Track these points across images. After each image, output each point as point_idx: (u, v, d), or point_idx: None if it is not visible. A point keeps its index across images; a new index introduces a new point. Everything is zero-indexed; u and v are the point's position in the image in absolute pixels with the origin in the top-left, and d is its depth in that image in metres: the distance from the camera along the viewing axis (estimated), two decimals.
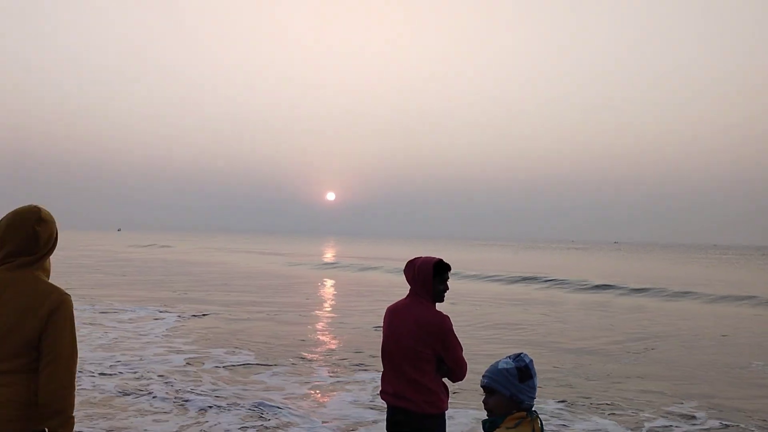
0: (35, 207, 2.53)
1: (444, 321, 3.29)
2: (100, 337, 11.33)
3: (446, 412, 3.34)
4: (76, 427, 5.70)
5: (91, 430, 6.03)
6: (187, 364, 9.27)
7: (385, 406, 3.44)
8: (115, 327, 12.74)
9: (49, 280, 2.53)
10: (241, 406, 6.98)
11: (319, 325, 14.14)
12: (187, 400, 7.15)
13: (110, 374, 8.42)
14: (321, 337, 12.37)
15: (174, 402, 7.09)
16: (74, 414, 2.39)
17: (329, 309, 17.88)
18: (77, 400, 6.89)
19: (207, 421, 6.45)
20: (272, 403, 7.11)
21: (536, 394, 2.39)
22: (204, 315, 14.91)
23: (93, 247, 63.21)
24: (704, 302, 21.41)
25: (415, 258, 3.45)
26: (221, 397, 7.41)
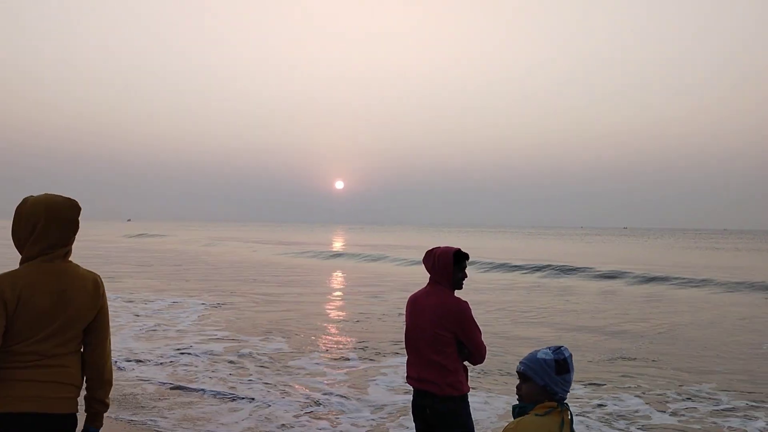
0: (71, 198, 2.52)
1: (463, 306, 3.41)
2: (139, 327, 11.50)
3: (472, 394, 3.48)
4: (163, 420, 6.01)
5: (169, 421, 6.16)
6: (228, 351, 9.47)
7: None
8: (148, 316, 12.96)
9: None
10: (293, 394, 7.18)
11: (340, 313, 14.35)
12: (241, 389, 7.31)
13: (164, 363, 8.60)
14: (344, 324, 12.57)
15: (231, 390, 7.25)
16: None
17: (345, 297, 18.08)
18: (150, 389, 7.22)
19: (269, 406, 6.63)
20: (323, 391, 7.33)
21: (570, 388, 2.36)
22: (226, 304, 15.14)
23: (103, 238, 63.69)
24: (711, 288, 21.33)
25: (434, 248, 3.56)
26: (272, 384, 7.62)
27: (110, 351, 2.55)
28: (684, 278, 23.58)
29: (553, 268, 27.87)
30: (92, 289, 2.48)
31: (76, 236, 2.55)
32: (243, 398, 6.97)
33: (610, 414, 6.72)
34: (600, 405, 7.02)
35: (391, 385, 7.63)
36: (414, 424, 3.53)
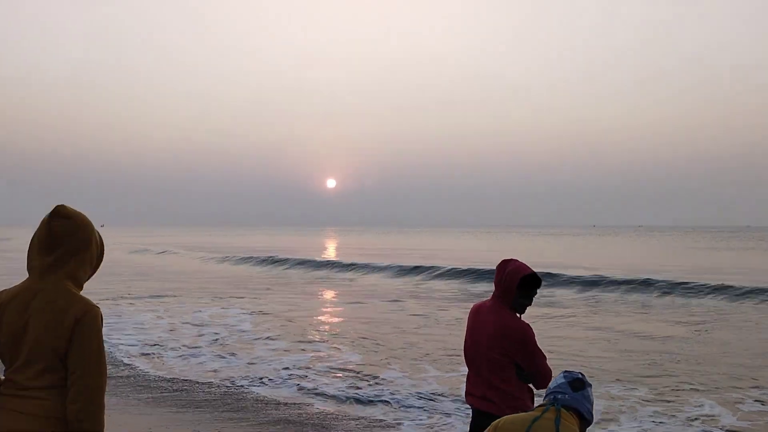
0: (54, 208, 2.26)
1: (525, 330, 3.15)
2: (215, 336, 11.54)
3: None
4: None
5: None
6: (316, 362, 9.62)
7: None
8: (207, 324, 12.98)
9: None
10: (430, 410, 7.34)
11: (371, 318, 14.63)
12: (387, 409, 7.40)
13: (277, 380, 8.67)
14: (386, 329, 12.77)
15: (383, 413, 7.26)
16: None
17: (362, 304, 18.49)
18: (300, 411, 7.04)
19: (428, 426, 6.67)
20: (441, 401, 7.58)
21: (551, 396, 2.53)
22: (262, 312, 15.25)
23: None
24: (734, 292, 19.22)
25: (510, 259, 3.28)
26: (397, 394, 7.83)
27: (95, 395, 2.11)
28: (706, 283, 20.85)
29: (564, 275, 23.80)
30: (67, 317, 2.11)
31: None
32: (402, 422, 6.91)
33: (683, 417, 6.86)
34: (681, 406, 7.27)
35: None
36: None
